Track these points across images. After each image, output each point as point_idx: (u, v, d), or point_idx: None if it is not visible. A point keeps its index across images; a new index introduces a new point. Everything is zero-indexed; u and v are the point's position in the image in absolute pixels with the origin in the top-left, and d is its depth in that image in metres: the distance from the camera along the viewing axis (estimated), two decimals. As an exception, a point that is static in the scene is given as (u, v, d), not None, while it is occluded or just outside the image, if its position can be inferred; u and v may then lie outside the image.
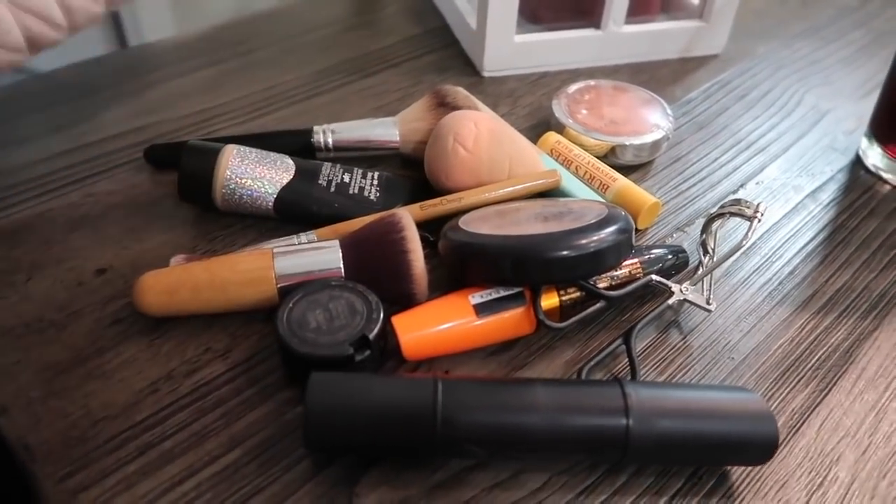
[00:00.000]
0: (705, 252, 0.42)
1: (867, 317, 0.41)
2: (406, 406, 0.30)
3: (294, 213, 0.43)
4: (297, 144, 0.48)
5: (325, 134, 0.48)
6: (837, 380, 0.37)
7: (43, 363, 0.35)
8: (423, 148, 0.46)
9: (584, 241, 0.35)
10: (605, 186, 0.45)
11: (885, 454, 0.34)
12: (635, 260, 0.40)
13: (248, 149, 0.43)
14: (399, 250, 0.37)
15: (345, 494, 0.31)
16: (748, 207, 0.39)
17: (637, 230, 0.45)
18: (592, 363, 0.36)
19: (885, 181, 0.52)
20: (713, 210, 0.42)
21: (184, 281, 0.36)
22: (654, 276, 0.39)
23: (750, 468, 0.33)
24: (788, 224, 0.47)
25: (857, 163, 0.53)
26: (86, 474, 0.31)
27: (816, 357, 0.39)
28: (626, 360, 0.37)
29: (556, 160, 0.47)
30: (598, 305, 0.38)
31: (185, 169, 0.43)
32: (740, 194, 0.50)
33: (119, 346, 0.36)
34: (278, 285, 0.36)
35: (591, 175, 0.46)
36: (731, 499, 0.32)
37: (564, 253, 0.35)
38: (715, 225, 0.42)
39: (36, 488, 0.31)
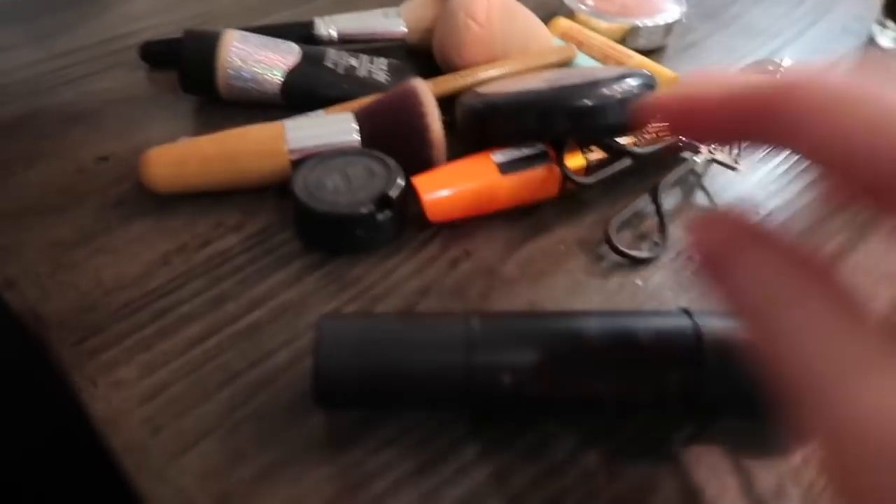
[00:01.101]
0: None
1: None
2: (435, 349, 0.25)
3: (302, 97, 0.41)
4: (298, 38, 0.46)
5: (328, 25, 0.46)
6: (870, 229, 0.36)
7: (49, 241, 0.34)
8: (429, 37, 0.45)
9: (610, 91, 0.33)
10: (621, 64, 0.44)
11: None
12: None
13: (249, 33, 0.42)
14: (416, 114, 0.35)
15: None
16: (777, 66, 0.38)
17: None
18: (620, 221, 0.35)
19: (902, 59, 0.51)
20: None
21: (192, 153, 0.35)
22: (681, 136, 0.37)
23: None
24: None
25: (871, 44, 0.52)
26: (102, 338, 0.29)
27: (845, 212, 0.38)
28: (654, 220, 0.36)
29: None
30: (623, 164, 0.36)
31: (185, 56, 0.41)
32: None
33: (126, 223, 0.35)
34: (291, 156, 0.35)
35: (605, 55, 0.44)
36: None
37: (591, 102, 0.33)
38: None
39: (49, 357, 0.29)
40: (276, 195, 0.36)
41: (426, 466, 0.25)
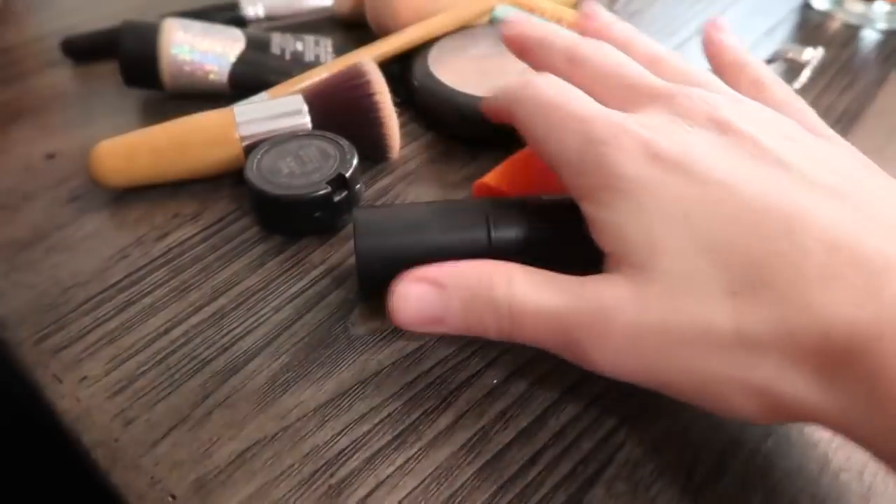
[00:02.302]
0: None
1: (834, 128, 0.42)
2: (460, 228, 0.27)
3: (250, 85, 0.41)
4: (224, 20, 0.45)
5: (255, 5, 0.46)
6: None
7: (0, 242, 0.33)
8: (360, 8, 0.45)
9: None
10: (574, 26, 0.44)
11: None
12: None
13: (190, 21, 0.41)
14: (364, 94, 0.35)
15: (340, 327, 0.30)
16: (800, 52, 0.39)
17: None
18: None
19: (835, 18, 0.52)
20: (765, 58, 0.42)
21: (142, 145, 0.34)
22: None
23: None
24: (748, 60, 0.47)
25: (807, 6, 0.54)
26: (64, 334, 0.29)
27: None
28: None
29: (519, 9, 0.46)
30: None
31: (125, 50, 0.40)
32: (699, 38, 0.49)
33: (80, 219, 0.34)
34: (243, 143, 0.35)
35: (557, 18, 0.45)
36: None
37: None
38: None
39: (9, 356, 0.29)
40: (231, 183, 0.36)
41: (402, 438, 0.26)
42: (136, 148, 0.34)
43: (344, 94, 0.36)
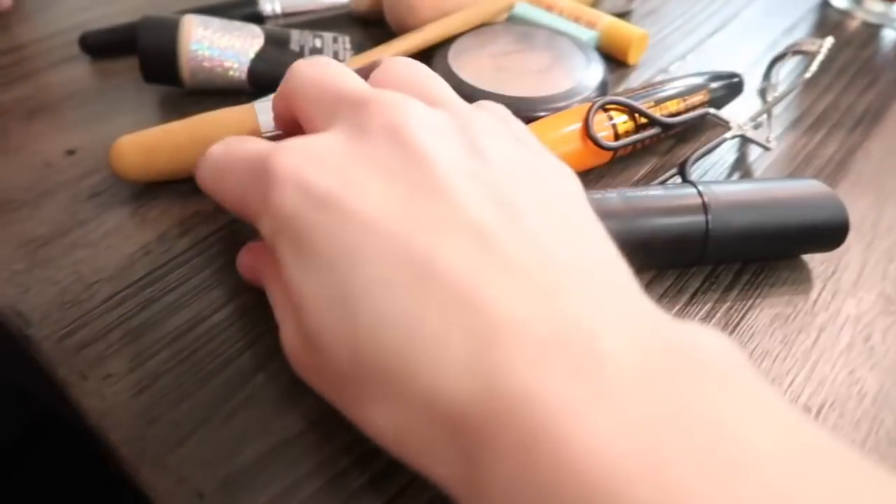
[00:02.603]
0: (764, 99, 0.41)
1: (854, 131, 0.41)
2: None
3: (269, 82, 0.41)
4: (241, 17, 0.45)
5: (273, 2, 0.46)
6: (836, 186, 0.38)
7: (21, 239, 0.33)
8: (378, 5, 0.45)
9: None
10: (593, 24, 0.44)
11: (889, 243, 0.35)
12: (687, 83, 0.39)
13: (209, 17, 0.41)
14: None
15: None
16: (812, 44, 0.39)
17: (627, 65, 0.45)
18: None
19: (854, 17, 0.52)
20: (776, 53, 0.42)
21: (163, 140, 0.34)
22: (710, 110, 0.38)
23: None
24: (767, 58, 0.47)
25: (825, 4, 0.53)
26: (87, 331, 0.29)
27: (812, 167, 0.39)
28: None
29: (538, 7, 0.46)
30: (650, 132, 0.37)
31: (144, 46, 0.40)
32: (717, 37, 0.49)
33: (101, 216, 0.34)
34: (265, 137, 0.35)
35: (576, 16, 0.45)
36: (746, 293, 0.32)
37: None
38: (776, 68, 0.42)
39: (31, 352, 0.29)
40: (251, 180, 0.36)
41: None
42: (158, 143, 0.34)
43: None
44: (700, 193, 0.30)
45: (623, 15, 0.49)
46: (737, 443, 0.16)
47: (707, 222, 0.30)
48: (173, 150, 0.34)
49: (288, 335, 0.23)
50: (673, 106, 0.37)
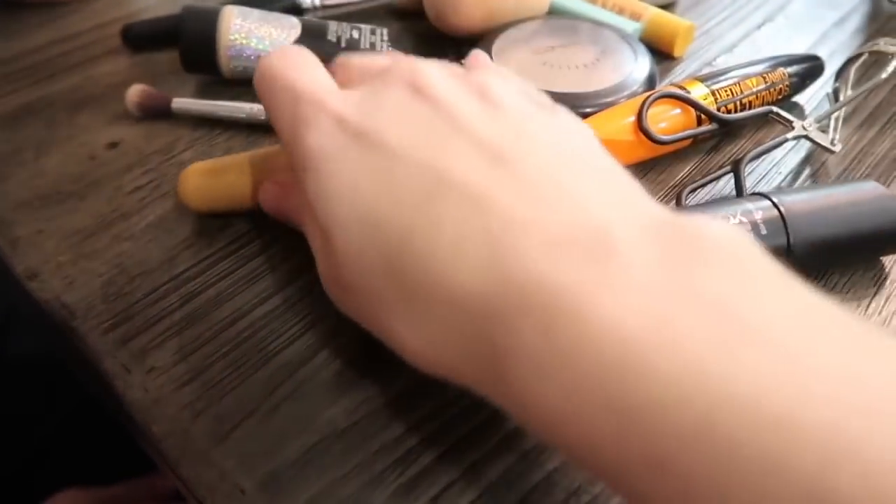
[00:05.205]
0: (836, 99, 0.40)
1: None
2: None
3: (306, 73, 0.41)
4: (281, 9, 0.45)
5: (313, -9, 0.46)
6: (890, 183, 0.36)
7: (67, 230, 0.33)
8: None
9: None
10: (638, 16, 0.43)
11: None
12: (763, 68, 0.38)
13: (248, 9, 0.41)
14: None
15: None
16: (891, 45, 0.38)
17: (673, 58, 0.44)
18: (695, 185, 0.34)
19: (909, 8, 0.50)
20: (851, 54, 0.41)
21: (231, 165, 0.32)
22: (774, 108, 0.37)
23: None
24: (820, 51, 0.46)
25: (880, -5, 0.52)
26: (131, 324, 0.29)
27: (865, 165, 0.38)
28: (731, 195, 0.35)
29: None
30: (706, 128, 0.36)
31: (185, 35, 0.40)
32: (766, 28, 0.48)
33: (143, 210, 0.34)
34: None
35: (620, 8, 0.44)
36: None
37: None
38: (849, 69, 0.40)
39: (78, 345, 0.29)
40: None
41: (472, 438, 0.25)
42: (225, 169, 0.32)
43: None
44: (776, 205, 0.29)
45: (667, 6, 0.48)
46: (745, 313, 0.16)
47: (788, 239, 0.29)
48: (241, 175, 0.32)
49: (322, 263, 0.25)
50: (753, 84, 0.37)
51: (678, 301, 0.17)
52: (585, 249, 0.18)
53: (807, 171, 0.37)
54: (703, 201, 0.34)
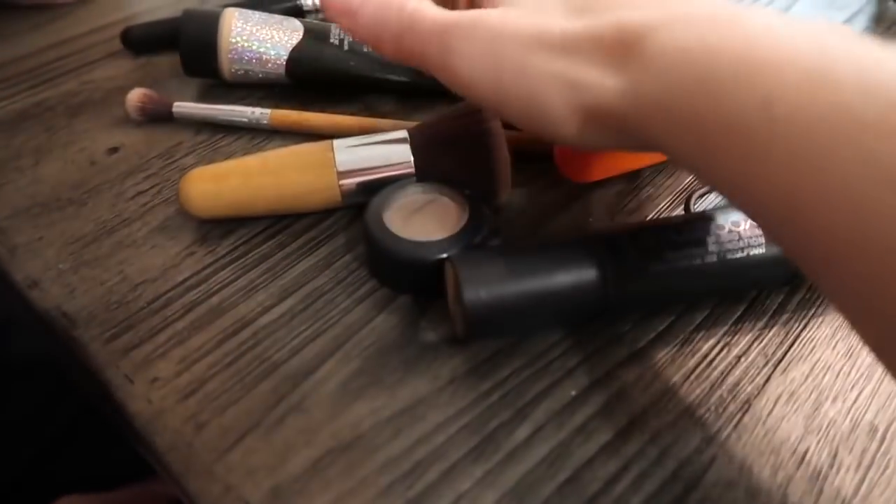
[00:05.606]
0: None
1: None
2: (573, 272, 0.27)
3: (308, 75, 0.40)
4: (282, 11, 0.45)
5: (313, -6, 0.46)
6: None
7: (68, 237, 0.33)
8: None
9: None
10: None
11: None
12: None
13: (249, 11, 0.40)
14: (484, 143, 0.32)
15: (411, 332, 0.29)
16: None
17: None
18: (703, 191, 0.35)
19: (914, 9, 0.50)
20: None
21: (233, 170, 0.32)
22: None
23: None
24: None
25: (883, -4, 0.51)
26: (133, 334, 0.29)
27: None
28: None
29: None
30: None
31: (185, 38, 0.40)
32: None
33: (145, 216, 0.34)
34: (339, 181, 0.32)
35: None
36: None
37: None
38: None
39: (79, 355, 0.29)
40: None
41: (480, 451, 0.25)
42: (227, 173, 0.32)
43: (458, 138, 0.32)
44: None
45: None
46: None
47: None
48: (243, 177, 0.32)
49: None
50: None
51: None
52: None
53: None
54: (711, 206, 0.34)
